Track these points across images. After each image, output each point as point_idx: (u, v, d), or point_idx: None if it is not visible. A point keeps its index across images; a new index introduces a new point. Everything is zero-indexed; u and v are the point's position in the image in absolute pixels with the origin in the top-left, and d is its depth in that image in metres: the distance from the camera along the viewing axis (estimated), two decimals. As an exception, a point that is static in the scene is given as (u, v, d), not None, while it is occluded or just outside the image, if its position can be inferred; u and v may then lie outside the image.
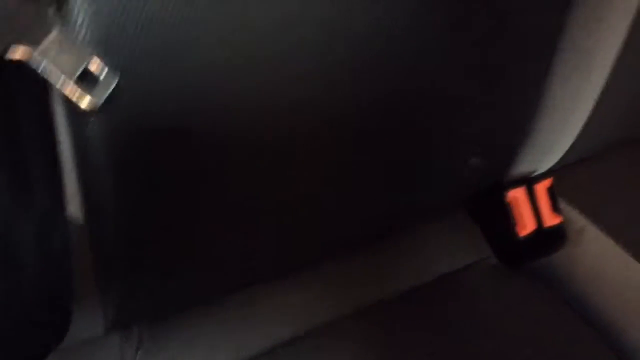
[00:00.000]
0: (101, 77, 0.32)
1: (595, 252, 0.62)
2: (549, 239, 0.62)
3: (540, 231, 0.62)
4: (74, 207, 0.37)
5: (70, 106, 0.32)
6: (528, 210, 0.61)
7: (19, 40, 0.28)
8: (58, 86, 0.30)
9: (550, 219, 0.62)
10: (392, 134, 0.49)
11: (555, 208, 0.63)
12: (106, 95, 0.32)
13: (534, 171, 0.65)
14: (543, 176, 0.65)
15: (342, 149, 0.46)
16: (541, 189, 0.62)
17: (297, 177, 0.45)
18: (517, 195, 0.60)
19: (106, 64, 0.32)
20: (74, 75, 0.30)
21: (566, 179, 0.67)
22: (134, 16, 0.32)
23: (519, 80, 0.54)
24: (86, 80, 0.31)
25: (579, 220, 0.64)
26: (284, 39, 0.37)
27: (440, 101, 0.50)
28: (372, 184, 0.52)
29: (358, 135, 0.46)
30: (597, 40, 0.55)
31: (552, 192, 0.63)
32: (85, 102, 0.31)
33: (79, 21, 0.31)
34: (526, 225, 0.61)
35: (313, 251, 0.54)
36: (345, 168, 0.48)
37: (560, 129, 0.61)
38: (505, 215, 0.61)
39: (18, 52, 0.29)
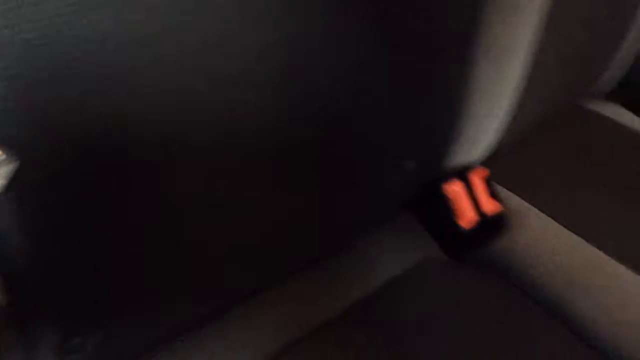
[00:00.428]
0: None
1: (538, 232, 0.63)
2: (491, 227, 0.62)
3: (482, 220, 0.62)
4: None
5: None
6: (467, 201, 0.61)
7: None
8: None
9: (490, 207, 0.62)
10: (323, 148, 0.48)
11: (494, 196, 0.63)
12: (7, 178, 0.31)
13: (468, 163, 0.65)
14: (481, 164, 0.65)
15: (277, 170, 0.45)
16: (477, 179, 0.63)
17: (230, 204, 0.44)
18: (454, 188, 0.61)
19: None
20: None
21: (501, 166, 0.68)
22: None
23: (441, 80, 0.54)
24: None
25: (518, 204, 0.65)
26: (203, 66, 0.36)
27: (367, 111, 0.49)
28: (310, 200, 0.51)
29: (289, 154, 0.45)
30: (514, 31, 0.56)
31: (488, 181, 0.63)
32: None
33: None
34: (467, 216, 0.61)
35: (258, 277, 0.53)
36: (281, 189, 0.47)
37: (486, 119, 0.62)
38: (445, 209, 0.61)
39: None
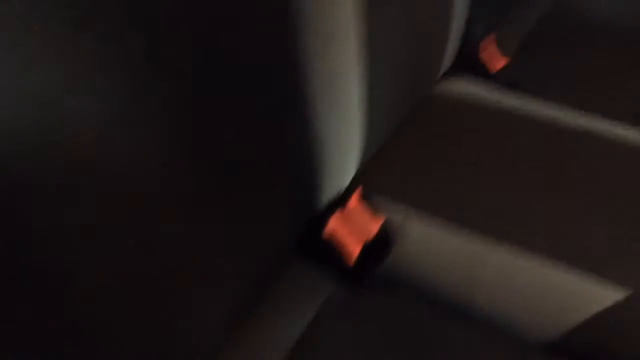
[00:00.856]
0: None
1: (424, 236, 0.65)
2: (378, 248, 0.64)
3: (368, 246, 0.63)
4: None
5: None
6: (348, 235, 0.62)
7: None
8: None
9: (373, 226, 0.64)
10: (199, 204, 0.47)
11: (374, 213, 0.65)
12: None
13: (342, 188, 0.66)
14: (353, 186, 0.67)
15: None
16: (355, 202, 0.64)
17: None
18: (333, 227, 0.62)
19: None
20: None
21: (374, 178, 0.70)
22: None
23: (285, 124, 0.54)
24: None
25: (399, 212, 0.67)
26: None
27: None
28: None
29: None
30: (339, 55, 0.57)
31: (366, 198, 0.65)
32: None
33: None
34: (351, 252, 0.62)
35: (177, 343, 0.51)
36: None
37: (342, 142, 0.63)
38: (330, 250, 0.62)
39: None
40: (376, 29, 0.61)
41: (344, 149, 0.64)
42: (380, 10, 0.60)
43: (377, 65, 0.63)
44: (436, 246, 0.65)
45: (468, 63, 0.88)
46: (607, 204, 0.67)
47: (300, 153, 0.58)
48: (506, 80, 0.87)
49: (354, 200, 0.64)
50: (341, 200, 0.64)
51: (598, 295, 0.59)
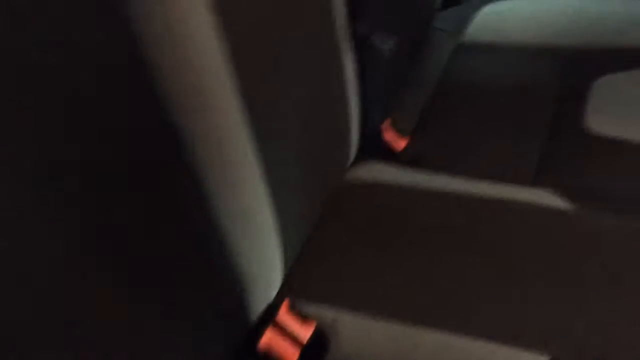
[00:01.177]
0: None
1: (355, 332, 0.68)
2: (315, 349, 0.66)
3: (305, 349, 0.65)
4: None
5: None
6: (284, 345, 0.64)
7: None
8: None
9: (305, 333, 0.66)
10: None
11: (304, 320, 0.67)
12: None
13: (270, 297, 0.68)
14: (280, 296, 0.69)
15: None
16: (283, 315, 0.66)
17: None
18: (267, 341, 0.64)
19: None
20: None
21: (300, 283, 0.72)
22: None
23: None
24: None
25: (328, 314, 0.69)
26: None
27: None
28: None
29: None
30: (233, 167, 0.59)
31: (293, 306, 0.67)
32: None
33: None
34: (291, 358, 0.64)
35: None
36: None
37: (260, 250, 0.65)
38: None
39: None
40: (270, 134, 0.63)
41: (264, 259, 0.66)
42: (270, 113, 0.63)
43: (279, 169, 0.65)
44: (369, 341, 0.67)
45: (373, 147, 0.92)
46: (535, 275, 0.71)
47: (219, 265, 0.60)
48: (410, 158, 0.92)
49: (282, 313, 0.66)
50: (271, 312, 0.66)
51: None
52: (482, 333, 0.66)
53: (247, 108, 0.57)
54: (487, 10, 1.22)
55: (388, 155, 0.93)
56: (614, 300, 0.68)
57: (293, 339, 0.66)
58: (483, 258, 0.74)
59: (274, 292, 0.69)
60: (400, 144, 0.94)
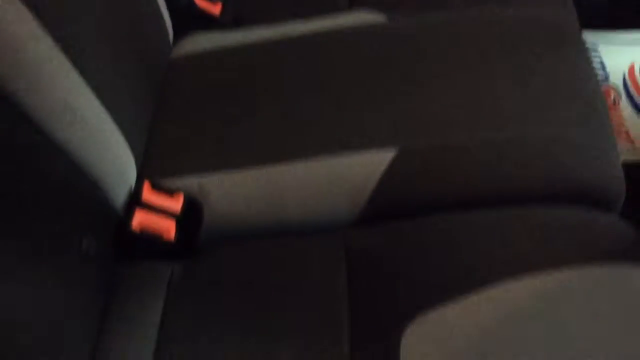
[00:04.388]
0: None
1: (222, 190, 0.72)
2: (191, 216, 0.70)
3: (180, 218, 0.69)
4: None
5: None
6: (158, 219, 0.68)
7: None
8: None
9: (176, 205, 0.70)
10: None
11: (171, 194, 0.71)
12: None
13: (130, 186, 0.71)
14: (139, 182, 0.72)
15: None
16: (147, 194, 0.69)
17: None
18: (139, 219, 0.67)
19: None
20: None
21: (153, 166, 0.75)
22: None
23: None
24: None
25: (192, 183, 0.72)
26: None
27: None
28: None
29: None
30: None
31: (155, 185, 0.70)
32: None
33: None
34: (168, 227, 0.68)
35: None
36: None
37: (108, 145, 0.67)
38: (148, 238, 0.67)
39: None
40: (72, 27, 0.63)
41: (113, 151, 0.68)
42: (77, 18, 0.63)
43: (91, 61, 0.66)
44: (238, 193, 0.72)
45: (191, 20, 0.93)
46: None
47: (69, 169, 0.62)
48: (230, 20, 0.94)
49: (146, 192, 0.69)
50: (135, 196, 0.69)
51: (374, 163, 0.70)
52: (337, 147, 0.72)
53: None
54: None
55: (209, 23, 0.94)
56: (444, 92, 0.76)
57: (165, 213, 0.69)
58: (320, 88, 0.79)
59: (132, 180, 0.71)
60: (215, 9, 0.95)
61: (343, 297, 0.65)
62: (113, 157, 0.68)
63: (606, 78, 1.15)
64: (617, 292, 0.61)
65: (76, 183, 0.64)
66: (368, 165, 0.71)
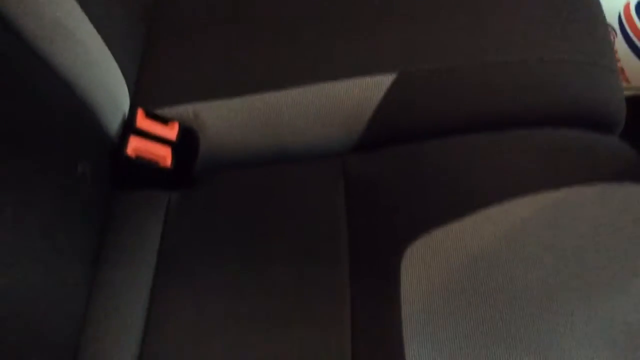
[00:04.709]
0: None
1: (217, 117, 0.71)
2: (187, 144, 0.69)
3: (176, 145, 0.68)
4: None
5: None
6: (154, 146, 0.67)
7: None
8: None
9: (172, 133, 0.69)
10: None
11: (165, 122, 0.69)
12: None
13: (124, 114, 0.69)
14: (133, 110, 0.70)
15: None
16: (141, 121, 0.68)
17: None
18: (134, 145, 0.66)
19: None
20: None
21: (146, 94, 0.73)
22: None
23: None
24: None
25: (186, 111, 0.71)
26: None
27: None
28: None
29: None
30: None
31: (150, 115, 0.69)
32: None
33: None
34: (164, 154, 0.67)
35: None
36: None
37: (100, 74, 0.66)
38: (144, 164, 0.66)
39: None
40: None
41: (106, 78, 0.67)
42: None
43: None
44: (234, 119, 0.71)
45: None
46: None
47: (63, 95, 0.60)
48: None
49: (140, 119, 0.68)
50: (130, 124, 0.68)
51: (373, 88, 0.69)
52: (335, 73, 0.71)
53: None
54: None
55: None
56: (445, 15, 0.74)
57: (161, 140, 0.68)
58: (319, 15, 0.77)
59: (126, 107, 0.70)
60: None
61: (342, 223, 0.65)
62: (106, 83, 0.66)
63: (602, 17, 1.14)
64: (617, 210, 0.61)
65: (70, 107, 0.62)
66: (366, 91, 0.70)
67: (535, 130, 0.67)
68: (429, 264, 0.59)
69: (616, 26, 1.14)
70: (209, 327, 0.60)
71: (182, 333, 0.60)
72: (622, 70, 1.14)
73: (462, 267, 0.58)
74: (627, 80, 1.15)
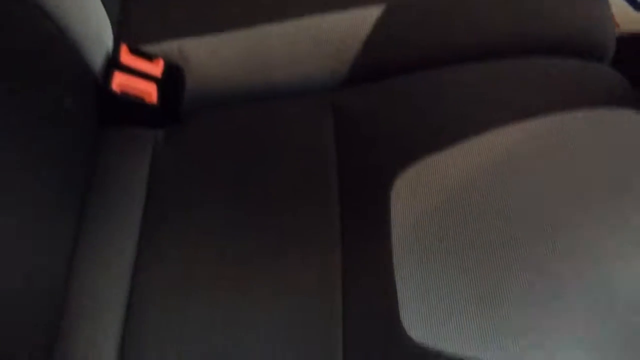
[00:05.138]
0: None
1: (203, 54, 0.70)
2: (172, 81, 0.68)
3: (162, 82, 0.67)
4: None
5: None
6: (139, 82, 0.66)
7: None
8: None
9: (157, 69, 0.68)
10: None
11: (150, 59, 0.68)
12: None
13: (109, 50, 0.68)
14: (116, 47, 0.69)
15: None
16: (125, 56, 0.67)
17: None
18: (119, 80, 0.65)
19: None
20: None
21: (130, 30, 0.72)
22: None
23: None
24: None
25: (171, 47, 0.70)
26: None
27: None
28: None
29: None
30: None
31: (134, 51, 0.68)
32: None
33: None
34: (150, 90, 0.66)
35: None
36: None
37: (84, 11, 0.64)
38: (130, 100, 0.65)
39: None
40: None
41: (91, 12, 0.65)
42: None
43: None
44: (219, 56, 0.70)
45: None
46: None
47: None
48: None
49: (124, 55, 0.67)
50: (113, 62, 0.67)
51: (361, 21, 0.68)
52: (322, 5, 0.70)
53: None
54: None
55: None
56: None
57: (145, 77, 0.67)
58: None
59: (109, 44, 0.68)
60: None
61: (332, 157, 0.64)
62: (88, 18, 0.65)
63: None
64: (608, 135, 0.61)
65: (52, 40, 0.61)
66: (354, 23, 0.69)
67: (526, 59, 0.67)
68: (419, 191, 0.59)
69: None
70: (201, 270, 0.59)
71: (171, 279, 0.59)
72: (612, 15, 1.14)
73: (452, 193, 0.58)
74: (617, 25, 1.14)
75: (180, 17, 0.72)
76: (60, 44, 0.62)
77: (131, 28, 0.72)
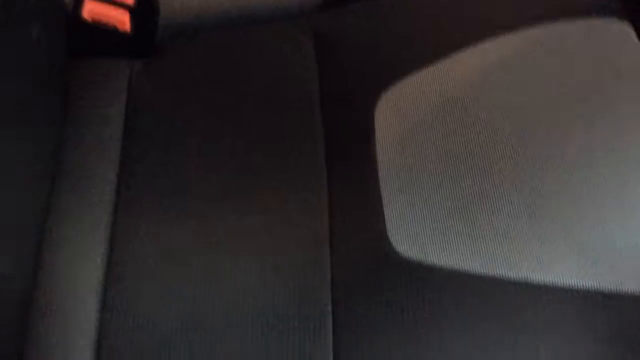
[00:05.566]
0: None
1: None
2: (146, 9, 0.66)
3: (135, 9, 0.65)
4: None
5: None
6: (110, 9, 0.64)
7: None
8: None
9: (128, -2, 0.66)
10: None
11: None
12: None
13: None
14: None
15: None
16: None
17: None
18: (90, 7, 0.62)
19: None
20: None
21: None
22: None
23: None
24: None
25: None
26: None
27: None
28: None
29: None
30: None
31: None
32: None
33: None
34: (122, 18, 0.64)
35: None
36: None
37: None
38: (102, 28, 0.63)
39: None
40: None
41: None
42: None
43: None
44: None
45: None
46: None
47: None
48: None
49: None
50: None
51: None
52: None
53: None
54: None
55: None
56: None
57: (118, 4, 0.65)
58: None
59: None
60: None
61: (314, 83, 0.63)
62: None
63: None
64: (594, 44, 0.60)
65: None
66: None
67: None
68: (402, 110, 0.58)
69: None
70: (182, 201, 0.58)
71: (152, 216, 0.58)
72: None
73: (434, 108, 0.58)
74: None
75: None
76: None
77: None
